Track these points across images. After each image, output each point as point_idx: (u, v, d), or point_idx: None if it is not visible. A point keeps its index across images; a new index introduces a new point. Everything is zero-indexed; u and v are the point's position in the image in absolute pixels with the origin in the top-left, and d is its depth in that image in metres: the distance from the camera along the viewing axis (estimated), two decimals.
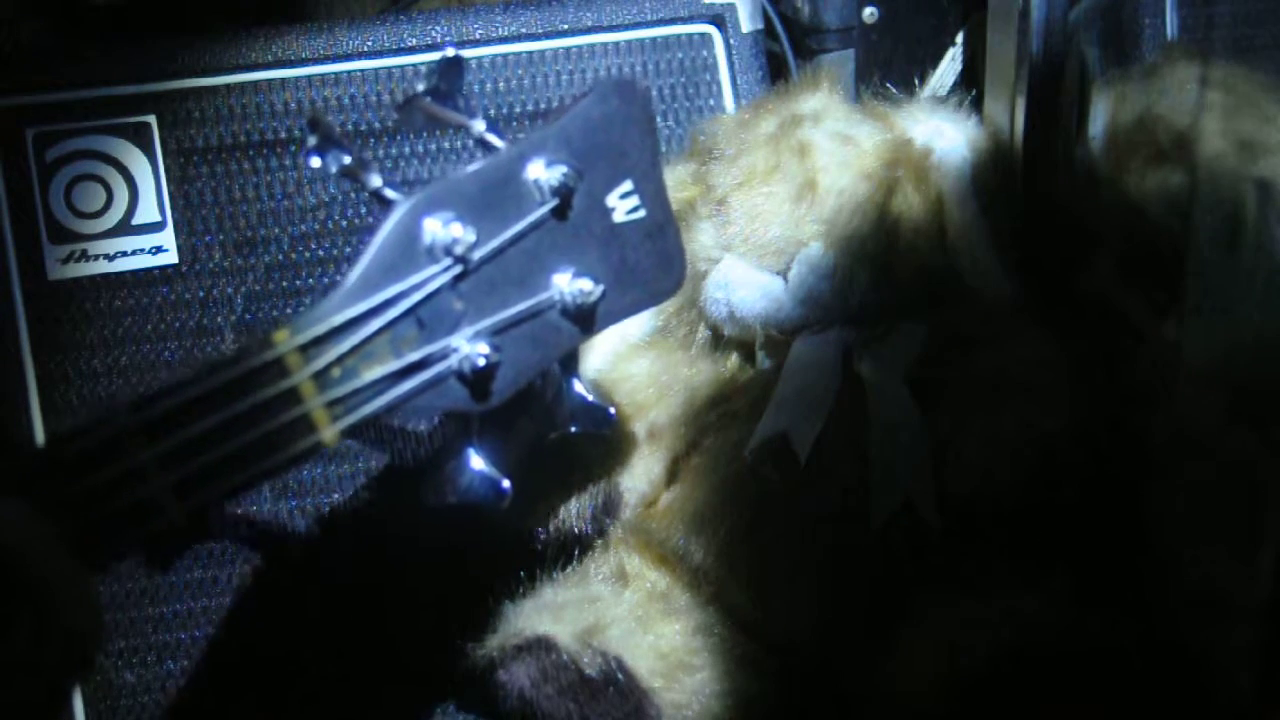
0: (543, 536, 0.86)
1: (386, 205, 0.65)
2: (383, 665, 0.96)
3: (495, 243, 0.67)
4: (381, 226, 0.64)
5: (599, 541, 0.87)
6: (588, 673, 0.78)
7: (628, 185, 0.71)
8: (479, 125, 0.69)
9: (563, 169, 0.68)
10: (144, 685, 0.92)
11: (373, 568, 0.93)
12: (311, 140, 0.65)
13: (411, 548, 0.93)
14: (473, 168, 0.67)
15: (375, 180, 0.66)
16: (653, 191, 0.72)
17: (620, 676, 0.79)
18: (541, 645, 0.79)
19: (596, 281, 0.69)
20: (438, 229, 0.65)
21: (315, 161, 0.65)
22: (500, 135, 0.69)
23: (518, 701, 0.80)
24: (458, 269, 0.65)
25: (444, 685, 0.96)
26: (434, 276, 0.65)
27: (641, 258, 0.72)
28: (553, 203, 0.68)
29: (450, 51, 0.69)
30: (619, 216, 0.71)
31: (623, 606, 0.83)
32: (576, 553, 0.87)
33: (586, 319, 0.70)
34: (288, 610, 0.93)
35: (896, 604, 0.81)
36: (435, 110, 0.69)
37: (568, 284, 0.69)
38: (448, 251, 0.65)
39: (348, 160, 0.66)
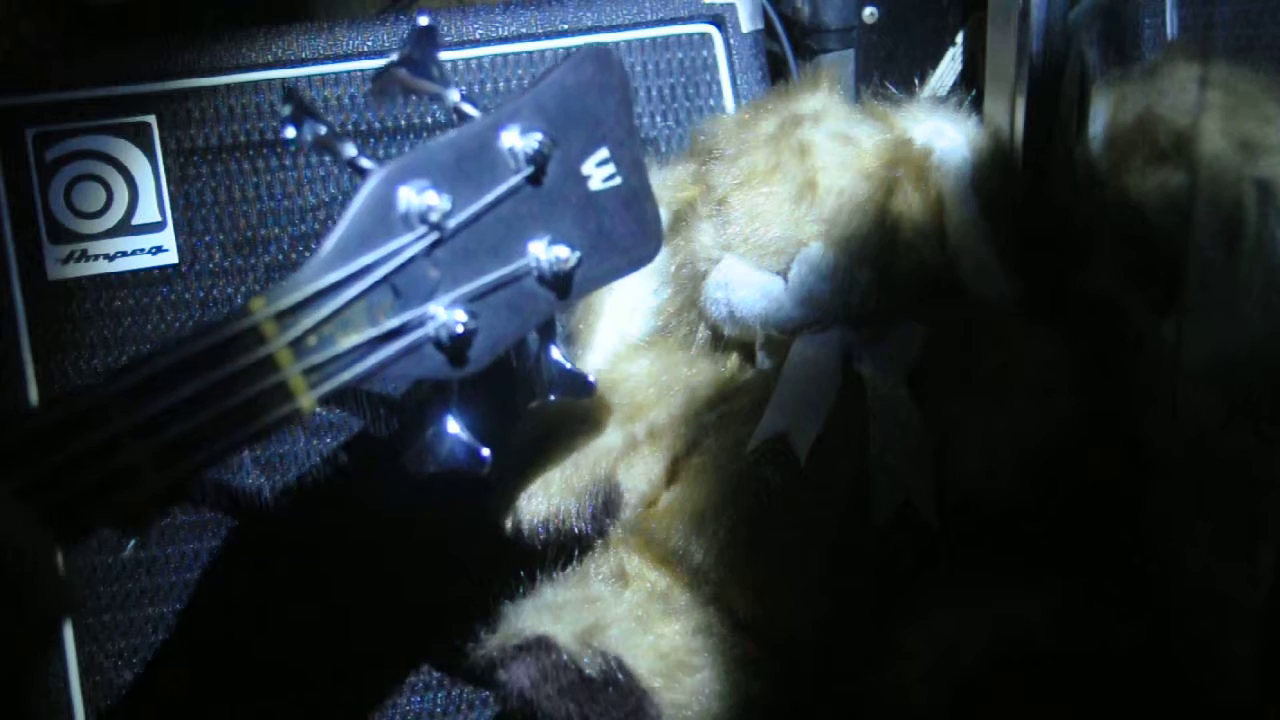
0: (543, 536, 0.86)
1: (361, 175, 0.65)
2: (381, 664, 0.96)
3: (471, 210, 0.67)
4: (356, 195, 0.64)
5: (599, 541, 0.87)
6: (588, 673, 0.78)
7: (603, 153, 0.71)
8: (454, 94, 0.69)
9: (538, 136, 0.68)
10: (144, 685, 0.91)
11: (372, 568, 0.93)
12: (286, 110, 0.66)
13: (411, 548, 0.93)
14: (447, 136, 0.67)
15: (350, 150, 0.66)
16: (629, 159, 0.72)
17: (620, 676, 0.79)
18: (541, 645, 0.79)
19: (573, 248, 0.70)
20: (412, 197, 0.65)
21: (290, 132, 0.66)
22: (475, 105, 0.69)
23: (518, 701, 0.80)
24: (433, 237, 0.66)
25: (443, 683, 0.97)
26: (409, 244, 0.65)
27: (618, 225, 0.72)
28: (528, 170, 0.68)
29: (423, 20, 0.69)
30: (595, 184, 0.71)
31: (623, 606, 0.83)
32: (576, 553, 0.87)
33: (563, 286, 0.70)
34: (285, 610, 0.93)
35: (896, 604, 0.81)
36: (410, 80, 0.69)
37: (544, 251, 0.69)
38: (423, 219, 0.65)
39: (323, 131, 0.66)
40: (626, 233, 0.72)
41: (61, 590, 0.60)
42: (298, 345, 0.63)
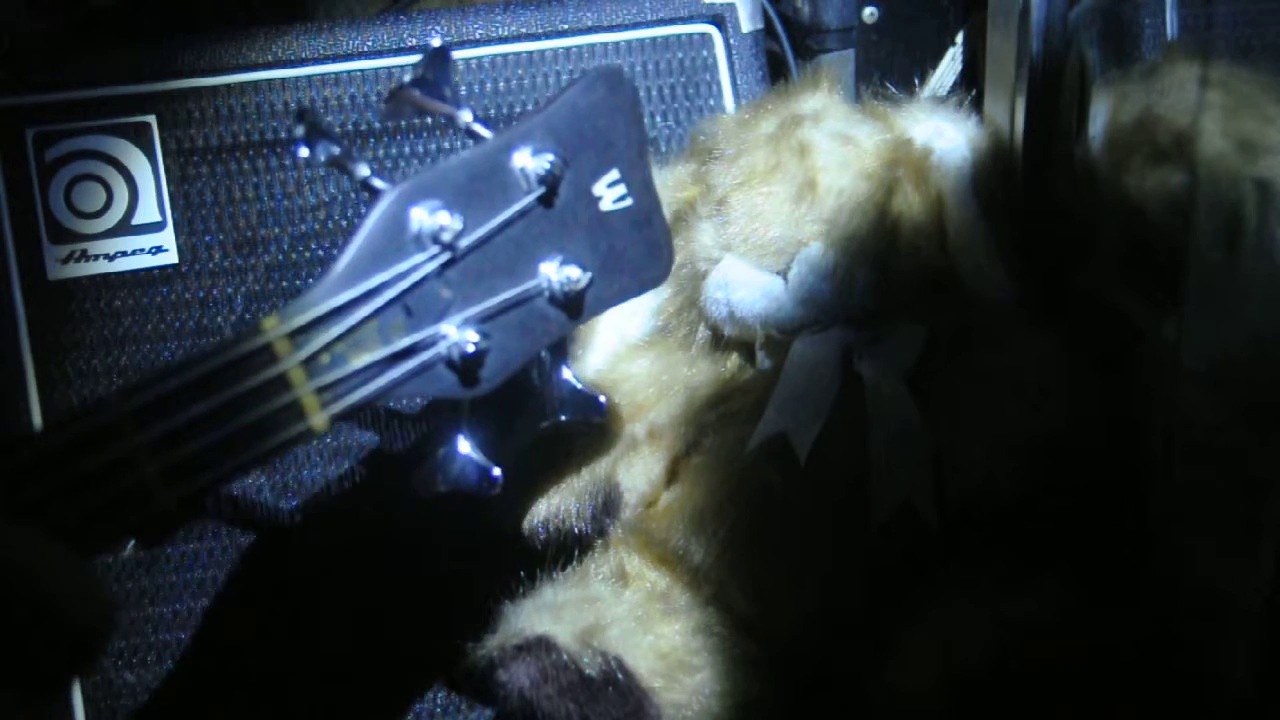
0: (543, 536, 0.86)
1: (374, 194, 0.65)
2: (381, 664, 0.96)
3: (482, 231, 0.67)
4: (369, 215, 0.65)
5: (599, 541, 0.87)
6: (588, 673, 0.78)
7: (614, 174, 0.72)
8: (466, 116, 0.70)
9: (549, 157, 0.69)
10: (144, 685, 0.92)
11: (373, 567, 0.93)
12: (299, 130, 0.66)
13: (411, 547, 0.93)
14: (459, 157, 0.67)
15: (363, 170, 0.66)
16: (640, 181, 0.73)
17: (620, 676, 0.79)
18: (541, 645, 0.79)
19: (584, 269, 0.70)
20: (424, 217, 0.65)
21: (304, 152, 0.66)
22: (487, 126, 0.69)
23: (518, 701, 0.80)
24: (445, 257, 0.66)
25: (443, 683, 0.97)
26: (421, 264, 0.65)
27: (629, 246, 0.72)
28: (539, 191, 0.69)
29: (436, 42, 0.70)
30: (606, 205, 0.71)
31: (623, 606, 0.83)
32: (576, 553, 0.87)
33: (574, 306, 0.70)
34: (285, 610, 0.93)
35: (896, 604, 0.81)
36: (423, 101, 0.70)
37: (555, 272, 0.69)
38: (435, 239, 0.65)
39: (336, 150, 0.66)
40: (637, 254, 0.73)
41: (97, 608, 0.58)
42: (310, 364, 0.63)
